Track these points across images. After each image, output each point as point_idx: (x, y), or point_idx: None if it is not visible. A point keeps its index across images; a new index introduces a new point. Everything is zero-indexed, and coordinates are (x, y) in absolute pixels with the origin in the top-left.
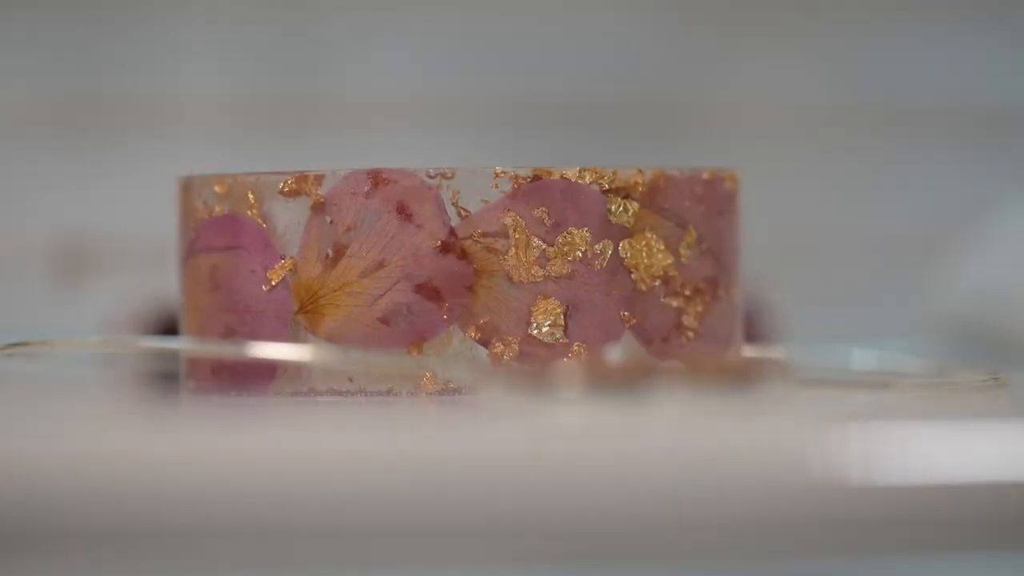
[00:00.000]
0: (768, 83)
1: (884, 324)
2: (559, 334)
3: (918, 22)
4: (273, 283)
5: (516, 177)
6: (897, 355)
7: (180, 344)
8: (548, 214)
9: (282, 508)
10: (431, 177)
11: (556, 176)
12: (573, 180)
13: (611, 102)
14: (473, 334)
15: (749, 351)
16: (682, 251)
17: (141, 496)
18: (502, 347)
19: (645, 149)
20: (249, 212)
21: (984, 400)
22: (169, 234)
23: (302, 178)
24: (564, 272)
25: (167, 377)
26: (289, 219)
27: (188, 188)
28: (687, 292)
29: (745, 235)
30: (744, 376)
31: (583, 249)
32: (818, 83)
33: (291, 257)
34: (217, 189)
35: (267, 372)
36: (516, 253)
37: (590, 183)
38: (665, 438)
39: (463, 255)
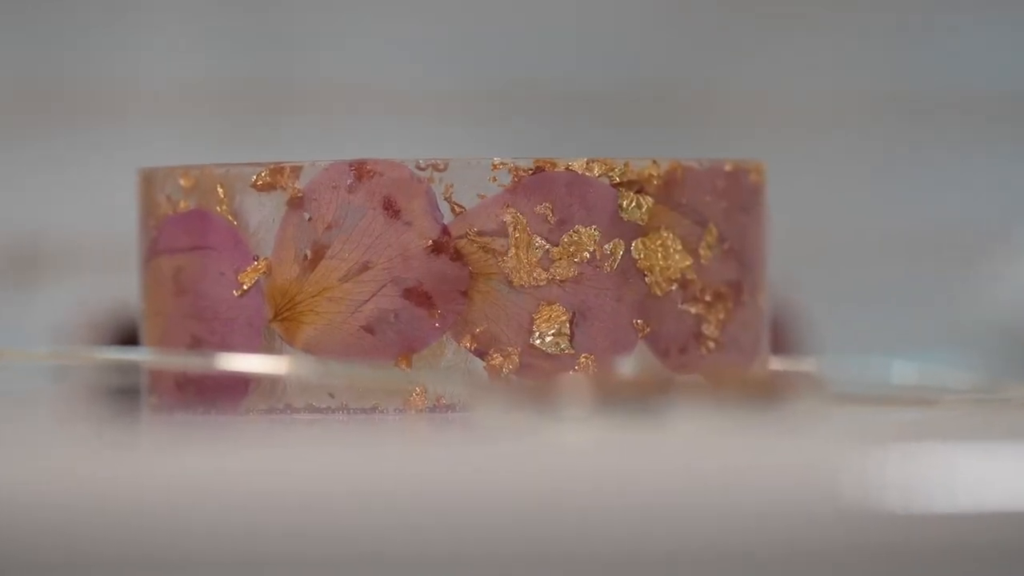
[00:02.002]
0: (793, 67)
1: (927, 333)
2: (564, 344)
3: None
4: (245, 287)
5: (516, 169)
6: (941, 368)
7: (141, 355)
8: (552, 210)
9: (254, 538)
10: (421, 169)
11: (561, 168)
12: (580, 172)
13: (622, 87)
14: (468, 344)
15: (776, 363)
16: (702, 251)
17: (96, 525)
18: (501, 359)
19: (660, 138)
20: (218, 208)
21: None
22: (129, 232)
23: (277, 170)
24: (570, 275)
25: (126, 392)
26: (263, 216)
27: (150, 181)
28: (707, 297)
29: (772, 234)
30: (771, 391)
31: (591, 249)
32: (848, 68)
33: (265, 258)
34: (182, 182)
35: (238, 387)
36: (516, 254)
37: (599, 176)
38: (682, 460)
39: (457, 256)
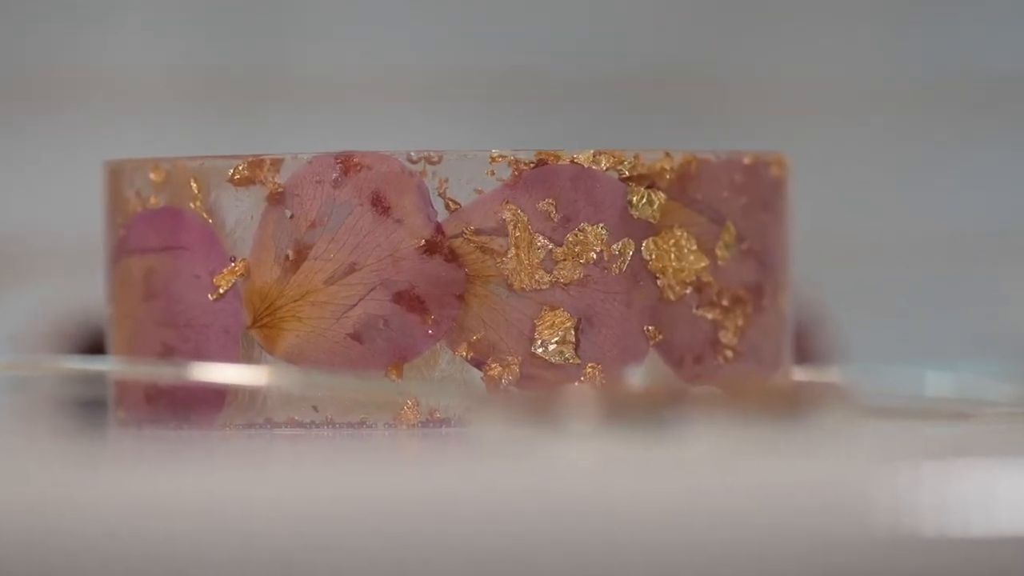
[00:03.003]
0: (818, 52)
1: (963, 341)
2: (569, 353)
3: None
4: (221, 291)
5: (516, 162)
6: (979, 378)
7: (107, 365)
8: (556, 207)
9: (230, 564)
10: (413, 162)
11: (565, 161)
12: (586, 166)
13: (631, 72)
14: (465, 353)
15: (800, 374)
16: (719, 252)
17: (57, 550)
18: (500, 369)
19: (673, 129)
20: (192, 204)
21: None
22: (95, 231)
23: (256, 163)
24: (575, 277)
25: (92, 405)
26: (240, 213)
27: (118, 175)
28: (724, 302)
29: (795, 233)
30: (794, 404)
31: (598, 249)
32: (875, 52)
33: (243, 259)
34: (153, 176)
35: (213, 399)
36: (517, 255)
37: (607, 169)
38: (698, 480)
39: (452, 257)
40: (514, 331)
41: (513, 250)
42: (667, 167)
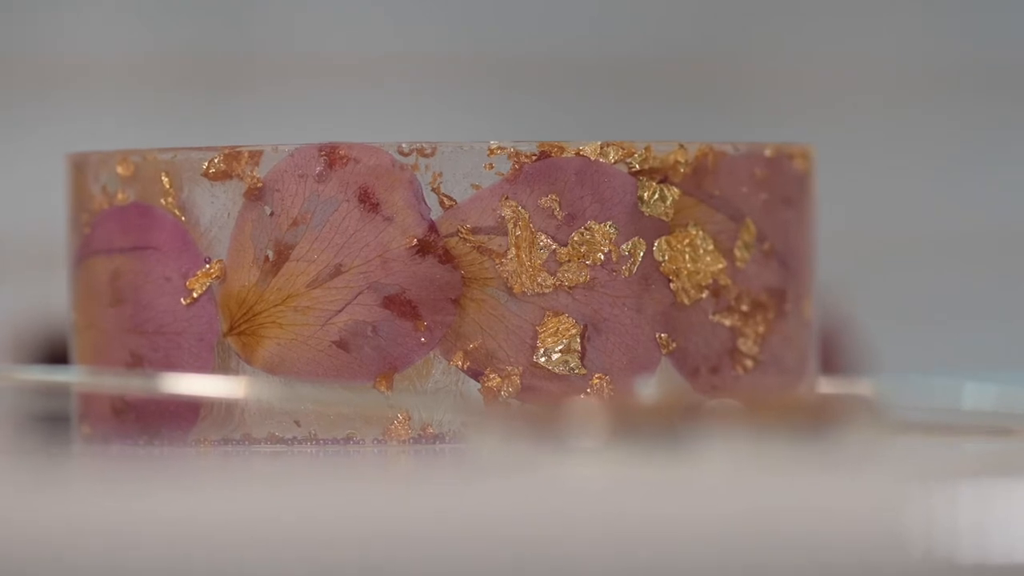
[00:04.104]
0: (844, 34)
1: (1004, 350)
2: (574, 363)
3: None
4: (195, 295)
5: (517, 154)
6: (1021, 391)
7: (71, 376)
8: (559, 204)
9: None
10: (404, 154)
11: (570, 153)
12: (593, 158)
13: (642, 57)
14: (460, 363)
15: (826, 386)
16: (737, 252)
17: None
18: (499, 380)
19: (688, 118)
20: (163, 201)
21: None
22: (57, 229)
23: (233, 155)
24: (581, 280)
25: (54, 420)
26: (216, 210)
27: (82, 169)
28: (744, 307)
29: (820, 232)
30: (820, 419)
31: (606, 250)
32: (909, 35)
33: (218, 260)
34: (120, 170)
35: (187, 413)
36: (517, 255)
37: (615, 162)
38: (714, 501)
39: (447, 258)
40: (514, 339)
41: (513, 250)
42: (681, 160)
